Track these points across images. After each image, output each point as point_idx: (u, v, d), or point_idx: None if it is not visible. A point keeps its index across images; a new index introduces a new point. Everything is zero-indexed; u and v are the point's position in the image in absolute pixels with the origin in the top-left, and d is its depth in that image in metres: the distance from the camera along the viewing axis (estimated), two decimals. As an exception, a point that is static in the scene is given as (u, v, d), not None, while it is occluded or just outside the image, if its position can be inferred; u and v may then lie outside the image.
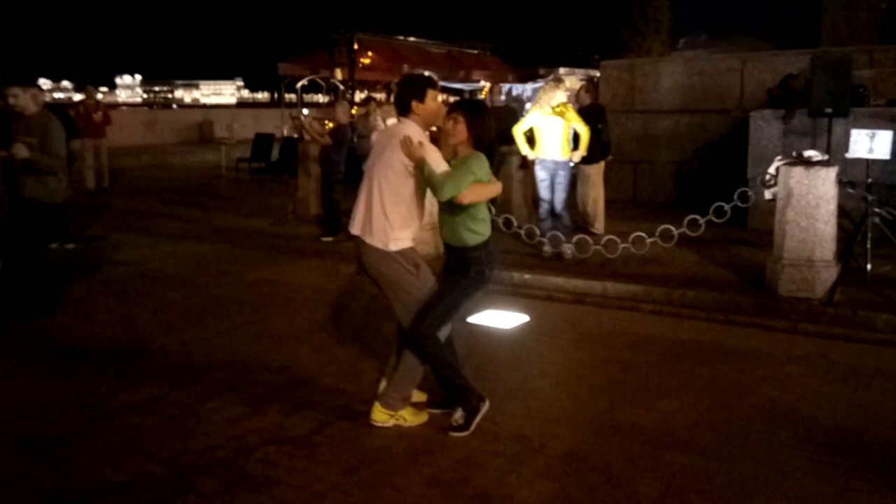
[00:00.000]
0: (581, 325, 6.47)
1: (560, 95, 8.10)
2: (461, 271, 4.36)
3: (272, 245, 9.71)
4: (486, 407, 4.45)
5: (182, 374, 5.28)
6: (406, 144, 4.19)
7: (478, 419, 4.39)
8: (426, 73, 4.73)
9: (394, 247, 4.29)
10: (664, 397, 4.90)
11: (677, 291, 6.99)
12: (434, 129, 4.46)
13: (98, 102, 15.47)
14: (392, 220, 4.27)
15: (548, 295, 7.38)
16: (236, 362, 5.52)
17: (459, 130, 4.31)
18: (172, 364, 5.51)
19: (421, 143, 4.20)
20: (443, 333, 4.38)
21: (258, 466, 3.96)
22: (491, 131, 4.43)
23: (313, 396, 4.86)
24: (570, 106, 8.24)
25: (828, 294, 6.49)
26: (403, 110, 4.40)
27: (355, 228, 4.38)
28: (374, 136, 4.47)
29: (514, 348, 5.90)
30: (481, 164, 4.26)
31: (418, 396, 4.65)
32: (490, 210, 4.58)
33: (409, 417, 4.43)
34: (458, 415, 4.42)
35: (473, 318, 6.58)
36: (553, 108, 8.08)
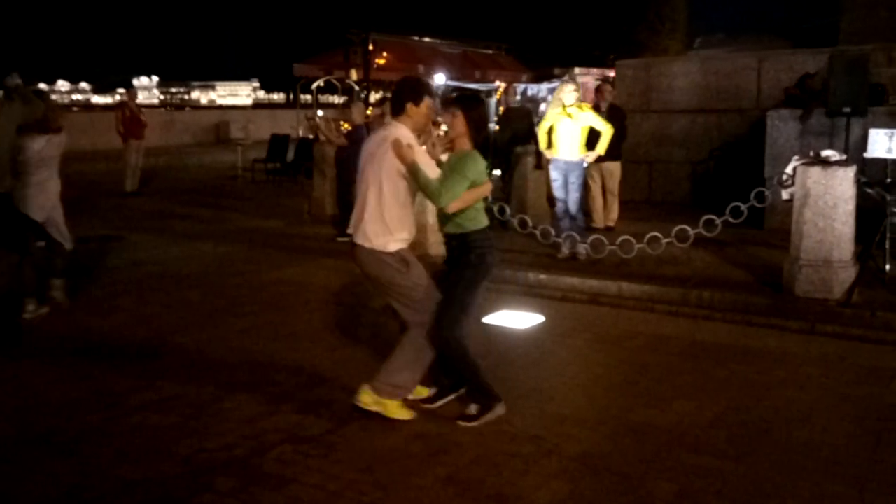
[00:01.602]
0: (596, 326, 6.46)
1: (573, 95, 8.08)
2: (463, 257, 4.38)
3: (288, 245, 9.76)
4: (500, 409, 4.46)
5: (199, 373, 5.32)
6: (397, 147, 4.20)
7: (489, 417, 4.41)
8: (426, 80, 4.77)
9: (390, 248, 4.32)
10: (680, 398, 4.88)
11: (693, 292, 6.96)
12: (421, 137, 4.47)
13: (138, 105, 15.58)
14: (387, 222, 4.29)
15: (563, 295, 7.37)
16: (253, 361, 5.56)
17: (458, 124, 4.35)
18: (190, 363, 5.55)
19: (410, 146, 4.21)
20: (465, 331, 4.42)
21: (274, 465, 3.98)
22: (486, 124, 4.46)
23: (329, 396, 4.88)
24: (585, 105, 8.21)
25: (845, 295, 6.45)
26: (397, 110, 4.43)
27: (351, 229, 4.44)
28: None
29: (530, 349, 5.90)
30: (476, 166, 4.28)
31: (419, 392, 4.67)
32: (486, 198, 4.60)
33: (393, 409, 4.44)
34: (473, 407, 4.45)
35: (489, 319, 6.58)
36: (566, 107, 8.08)
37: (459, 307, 4.35)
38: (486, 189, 4.42)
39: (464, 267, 4.40)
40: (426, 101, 4.41)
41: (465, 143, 4.39)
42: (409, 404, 4.58)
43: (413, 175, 4.21)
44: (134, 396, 4.90)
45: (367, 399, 4.44)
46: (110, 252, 9.54)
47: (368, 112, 11.68)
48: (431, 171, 4.27)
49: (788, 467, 3.95)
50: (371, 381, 4.47)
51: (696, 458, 4.04)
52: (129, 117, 14.59)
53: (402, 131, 4.33)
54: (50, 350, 5.85)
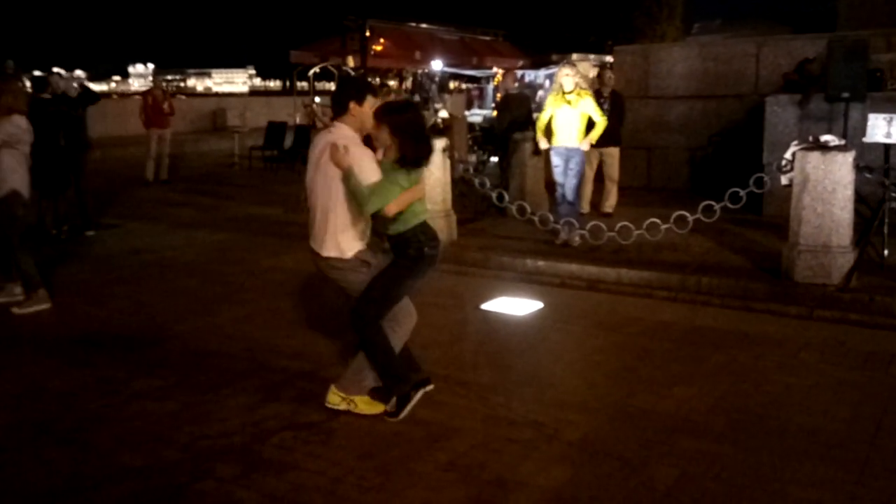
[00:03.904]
0: (595, 312, 6.46)
1: (571, 81, 8.05)
2: (401, 254, 4.35)
3: (286, 233, 9.72)
4: (417, 396, 4.42)
5: (198, 361, 5.32)
6: (333, 152, 4.14)
7: (409, 407, 4.37)
8: (368, 80, 4.65)
9: (347, 254, 4.29)
10: (679, 384, 4.89)
11: (692, 278, 6.97)
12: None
13: (164, 92, 15.46)
14: (339, 226, 4.26)
15: (562, 282, 7.37)
16: (252, 349, 5.55)
17: (383, 136, 4.27)
18: (188, 351, 5.54)
19: (347, 148, 4.12)
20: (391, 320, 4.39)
21: (275, 452, 3.98)
22: (419, 129, 4.32)
23: (328, 382, 4.86)
24: (584, 92, 8.17)
25: (844, 280, 6.45)
26: (340, 110, 4.34)
27: (311, 243, 4.41)
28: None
29: (529, 335, 5.90)
30: (408, 176, 4.21)
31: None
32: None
33: (361, 405, 4.42)
34: (392, 402, 4.41)
35: (487, 305, 6.59)
36: (565, 93, 8.05)
37: (383, 291, 4.30)
38: (421, 190, 4.36)
39: (400, 260, 4.35)
40: (369, 101, 4.32)
41: (393, 154, 4.28)
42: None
43: (346, 180, 4.13)
44: (133, 384, 4.89)
45: (335, 399, 4.42)
46: (108, 240, 9.53)
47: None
48: (372, 172, 4.18)
49: (788, 452, 3.96)
50: (337, 381, 4.47)
51: (696, 443, 4.05)
52: (152, 105, 14.50)
53: (342, 132, 4.26)
54: (48, 338, 5.84)
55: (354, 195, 4.14)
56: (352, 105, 4.30)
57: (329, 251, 4.31)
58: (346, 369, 4.52)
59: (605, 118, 8.34)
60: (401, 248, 4.35)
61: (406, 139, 4.23)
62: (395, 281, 4.33)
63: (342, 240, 4.28)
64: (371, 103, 4.34)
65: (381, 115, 4.30)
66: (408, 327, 4.52)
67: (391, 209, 4.16)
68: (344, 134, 4.26)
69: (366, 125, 4.34)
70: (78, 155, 9.75)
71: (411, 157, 4.23)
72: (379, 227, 4.39)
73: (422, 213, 4.39)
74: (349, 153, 4.12)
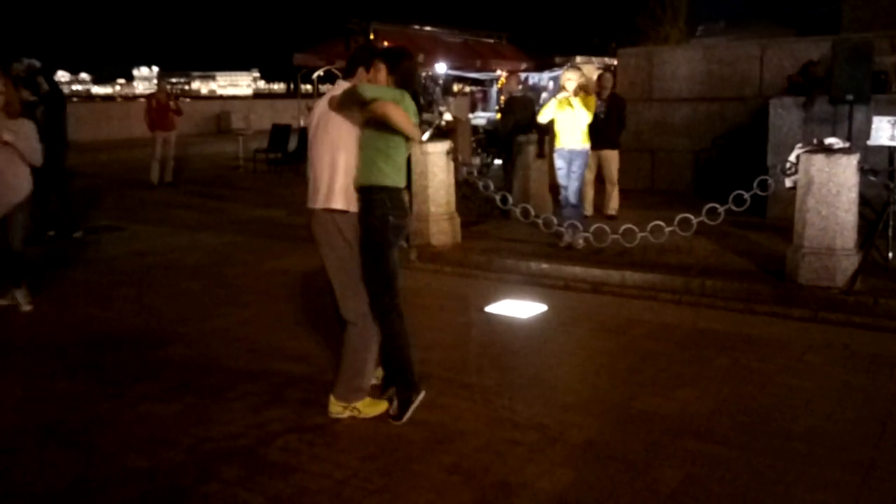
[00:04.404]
0: (599, 315, 6.46)
1: (574, 84, 8.08)
2: (364, 220, 4.26)
3: (290, 235, 9.74)
4: (419, 399, 4.41)
5: (202, 363, 5.33)
6: (332, 102, 4.21)
7: (412, 409, 4.36)
8: (380, 51, 4.67)
9: (351, 206, 4.27)
10: (683, 386, 4.89)
11: (696, 280, 6.96)
12: None
13: (169, 94, 15.44)
14: (345, 180, 4.24)
15: (565, 284, 7.36)
16: (256, 351, 5.56)
17: (381, 78, 4.30)
18: (193, 353, 5.55)
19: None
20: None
21: (279, 454, 3.99)
22: (414, 77, 4.44)
23: (333, 385, 4.88)
24: (581, 96, 8.17)
25: (848, 283, 6.44)
26: (349, 73, 4.43)
27: (316, 202, 4.31)
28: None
29: (533, 338, 5.90)
30: (404, 97, 4.20)
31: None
32: (409, 189, 4.54)
33: (363, 409, 4.41)
34: (395, 405, 4.40)
35: (491, 308, 6.59)
36: (566, 96, 8.09)
37: (378, 276, 4.28)
38: (416, 130, 4.29)
39: (368, 237, 4.27)
40: (378, 66, 4.34)
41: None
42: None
43: (345, 96, 4.17)
44: (137, 386, 4.90)
45: (336, 409, 4.42)
46: (112, 242, 9.55)
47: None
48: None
49: (792, 455, 3.96)
50: (333, 390, 4.45)
51: (701, 446, 4.05)
52: (156, 108, 14.50)
53: (342, 86, 4.32)
54: (53, 340, 5.86)
55: (353, 91, 4.13)
56: (360, 70, 4.37)
57: (335, 203, 4.25)
58: (337, 378, 4.46)
59: (590, 116, 8.27)
60: (367, 211, 4.25)
61: (400, 81, 4.30)
62: (378, 261, 4.29)
63: (339, 193, 4.24)
64: (379, 68, 4.35)
65: (378, 56, 4.39)
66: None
67: (386, 107, 4.04)
68: (343, 87, 4.32)
69: None
70: (58, 156, 9.49)
71: (410, 90, 4.30)
72: (360, 177, 4.26)
73: (401, 180, 4.34)
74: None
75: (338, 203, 4.25)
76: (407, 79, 4.35)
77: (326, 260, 4.39)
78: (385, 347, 4.44)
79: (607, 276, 7.32)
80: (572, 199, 8.25)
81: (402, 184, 4.37)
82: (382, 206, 4.24)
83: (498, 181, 10.01)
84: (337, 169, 4.24)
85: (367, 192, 4.26)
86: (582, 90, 8.10)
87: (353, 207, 4.30)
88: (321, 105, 4.38)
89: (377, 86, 4.23)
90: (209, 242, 9.56)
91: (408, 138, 4.29)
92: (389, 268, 4.34)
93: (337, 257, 4.33)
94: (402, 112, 4.12)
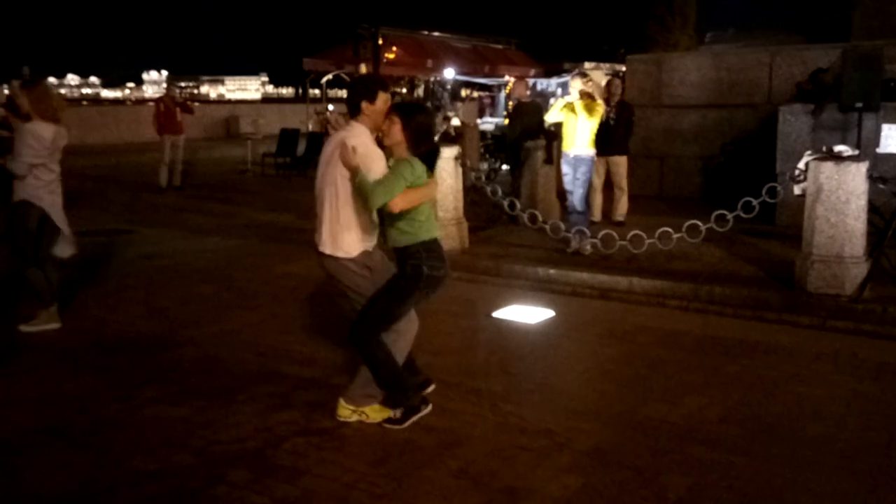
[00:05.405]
0: (607, 321, 6.46)
1: (581, 90, 8.10)
2: (401, 270, 4.30)
3: (298, 239, 9.76)
4: (426, 410, 4.42)
5: (211, 366, 5.35)
6: (343, 152, 4.14)
7: (415, 418, 4.37)
8: (378, 77, 4.64)
9: (352, 253, 4.28)
10: (691, 393, 4.88)
11: (704, 287, 6.95)
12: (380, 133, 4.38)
13: (175, 98, 15.45)
14: (344, 225, 4.25)
15: (573, 290, 7.36)
16: (264, 355, 5.58)
17: (395, 132, 4.23)
18: (201, 356, 5.58)
19: (354, 149, 4.11)
20: (393, 335, 4.35)
21: (287, 457, 4.00)
22: (430, 134, 4.35)
23: (341, 389, 4.89)
24: (594, 102, 8.19)
25: (857, 291, 6.43)
26: (353, 111, 4.34)
27: (321, 246, 4.36)
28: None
29: (540, 343, 5.90)
30: (413, 170, 4.15)
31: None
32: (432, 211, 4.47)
33: (371, 414, 4.42)
34: (398, 411, 4.40)
35: (499, 314, 6.59)
36: (571, 102, 8.13)
37: (383, 309, 4.27)
38: (433, 189, 4.32)
39: (399, 276, 4.30)
40: (381, 97, 4.31)
41: (402, 152, 4.25)
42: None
43: (352, 178, 4.13)
44: (147, 389, 4.93)
45: (345, 412, 4.43)
46: (121, 245, 9.59)
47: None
48: (381, 172, 4.17)
49: (800, 463, 3.95)
50: (344, 393, 4.47)
51: (708, 453, 4.04)
52: (164, 112, 14.55)
53: (356, 131, 4.27)
54: (63, 343, 5.89)
55: (360, 190, 4.09)
56: (364, 104, 4.31)
57: (332, 249, 4.29)
58: (352, 381, 4.50)
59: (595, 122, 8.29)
60: (402, 263, 4.30)
61: (414, 137, 4.23)
62: (395, 299, 4.28)
63: (346, 238, 4.27)
64: (383, 98, 4.32)
65: (393, 109, 4.32)
66: (410, 336, 4.49)
67: (397, 203, 4.06)
68: (358, 132, 4.27)
69: (379, 122, 4.33)
70: None
71: (416, 152, 4.22)
72: (388, 241, 4.35)
73: (431, 230, 4.32)
74: (357, 154, 4.11)
75: (347, 253, 4.29)
76: (421, 135, 4.26)
77: (346, 289, 4.42)
78: (369, 366, 4.37)
79: (615, 283, 7.32)
80: (578, 205, 8.27)
81: (434, 234, 4.35)
82: (418, 257, 4.25)
83: (506, 186, 10.00)
84: (343, 218, 4.25)
85: (402, 252, 4.29)
86: (587, 96, 8.12)
87: (365, 248, 4.33)
88: (332, 144, 4.33)
89: (382, 182, 4.07)
90: (218, 246, 9.59)
91: None
92: (398, 313, 4.33)
93: (356, 286, 4.36)
94: (414, 196, 4.13)
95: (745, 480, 3.77)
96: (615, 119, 9.65)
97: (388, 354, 4.33)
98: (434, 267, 4.27)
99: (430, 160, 4.29)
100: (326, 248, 4.32)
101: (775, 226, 9.37)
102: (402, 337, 4.43)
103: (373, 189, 4.05)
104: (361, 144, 4.20)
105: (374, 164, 4.19)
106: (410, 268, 4.24)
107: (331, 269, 4.39)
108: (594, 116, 8.14)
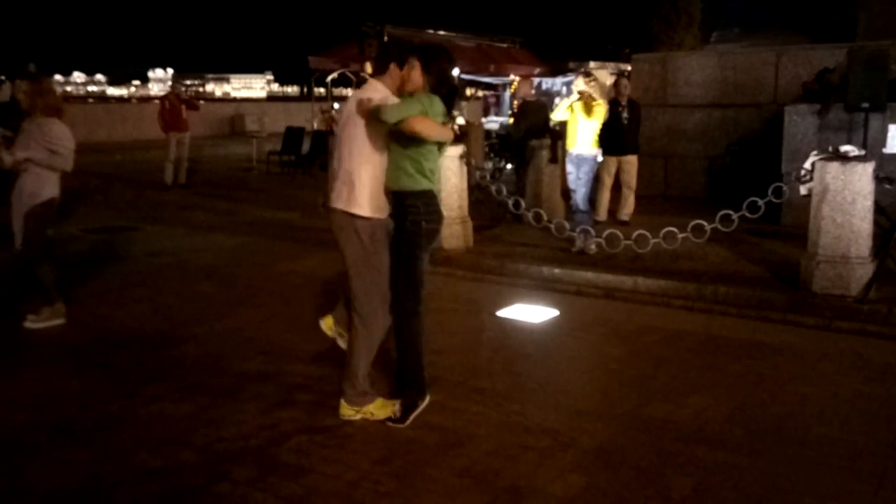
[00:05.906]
0: (611, 320, 6.44)
1: (584, 90, 8.11)
2: (397, 224, 4.26)
3: (303, 237, 9.78)
4: (423, 405, 4.43)
5: (215, 364, 5.35)
6: (360, 105, 4.15)
7: (415, 414, 4.37)
8: (440, 48, 4.53)
9: (364, 211, 4.22)
10: (696, 393, 4.87)
11: (709, 287, 6.93)
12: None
13: (180, 95, 15.39)
14: (363, 184, 4.20)
15: (578, 290, 7.35)
16: (268, 352, 5.58)
17: (415, 76, 4.20)
18: (206, 353, 5.58)
19: (370, 100, 4.11)
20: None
21: (291, 455, 4.00)
22: (447, 78, 4.31)
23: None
24: (596, 102, 8.18)
25: (863, 291, 6.41)
26: (380, 69, 4.34)
27: (338, 202, 4.29)
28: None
29: (544, 343, 5.89)
30: (433, 102, 4.13)
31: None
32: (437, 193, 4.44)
33: (375, 411, 4.40)
34: (398, 408, 4.40)
35: (503, 313, 6.59)
36: (574, 101, 8.13)
37: (409, 280, 4.27)
38: (448, 132, 4.25)
39: (399, 240, 4.27)
40: (412, 64, 4.24)
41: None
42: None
43: (370, 115, 4.10)
44: (150, 386, 4.93)
45: (348, 412, 4.42)
46: (125, 243, 9.61)
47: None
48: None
49: (804, 463, 3.94)
50: (343, 394, 4.45)
51: (713, 454, 4.03)
52: (169, 110, 14.53)
53: (374, 87, 4.25)
54: (66, 340, 5.89)
55: (375, 115, 4.02)
56: (392, 66, 4.29)
57: (346, 204, 4.23)
58: (343, 385, 4.44)
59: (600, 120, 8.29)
60: (400, 216, 4.26)
61: (436, 82, 4.22)
62: (408, 266, 4.28)
63: (363, 194, 4.21)
64: (413, 66, 4.24)
65: (413, 52, 4.27)
66: (379, 335, 4.45)
67: (413, 123, 4.00)
68: (376, 88, 4.26)
69: (400, 87, 4.28)
70: None
71: (445, 89, 4.22)
72: (391, 183, 4.24)
73: (434, 182, 4.31)
74: (374, 101, 4.12)
75: (360, 209, 4.23)
76: (442, 79, 4.24)
77: (342, 255, 4.37)
78: (399, 350, 4.44)
79: (619, 282, 7.31)
80: (581, 204, 8.27)
81: (435, 187, 4.34)
82: (416, 211, 4.23)
83: (510, 185, 10.02)
84: (361, 173, 4.21)
85: (400, 198, 4.25)
86: (587, 96, 8.11)
87: (376, 214, 4.27)
88: (350, 104, 4.32)
89: (399, 103, 4.10)
90: (222, 243, 9.60)
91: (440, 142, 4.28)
92: (418, 274, 4.32)
93: (352, 257, 4.32)
94: (431, 124, 4.08)
95: (750, 481, 3.76)
96: (629, 118, 9.64)
97: (421, 340, 4.37)
98: (431, 220, 4.30)
99: (449, 99, 4.28)
100: (340, 202, 4.26)
101: (780, 226, 9.35)
102: (373, 335, 4.41)
103: (390, 108, 4.01)
104: (379, 100, 4.17)
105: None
106: (410, 223, 4.23)
107: (338, 224, 4.30)
108: (594, 116, 8.14)
